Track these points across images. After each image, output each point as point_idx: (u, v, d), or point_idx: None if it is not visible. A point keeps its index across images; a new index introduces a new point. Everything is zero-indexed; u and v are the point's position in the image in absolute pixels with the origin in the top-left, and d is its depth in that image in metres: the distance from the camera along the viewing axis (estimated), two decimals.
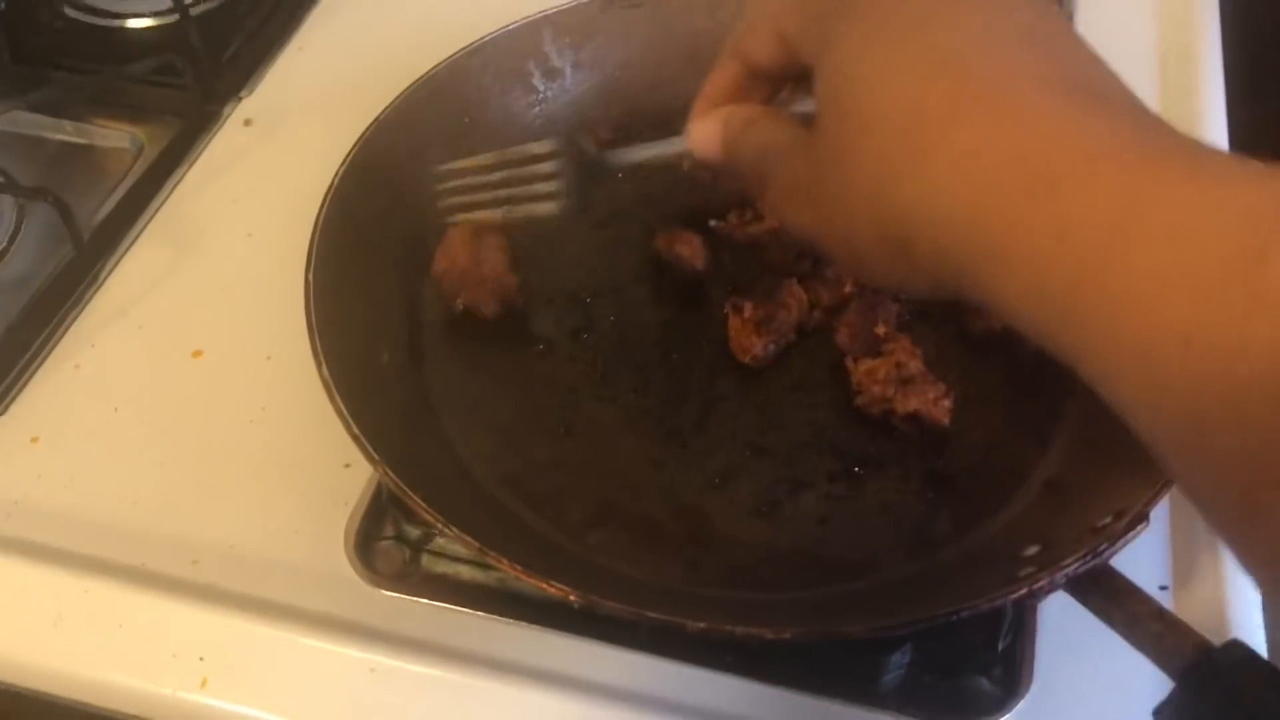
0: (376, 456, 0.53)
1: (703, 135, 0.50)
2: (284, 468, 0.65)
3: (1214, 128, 0.84)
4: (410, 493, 0.52)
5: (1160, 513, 0.62)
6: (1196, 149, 0.32)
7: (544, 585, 0.49)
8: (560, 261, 0.72)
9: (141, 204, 0.79)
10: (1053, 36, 0.38)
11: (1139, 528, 0.50)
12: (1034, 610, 0.58)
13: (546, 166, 0.61)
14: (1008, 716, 0.56)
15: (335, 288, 0.62)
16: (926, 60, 0.36)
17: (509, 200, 0.62)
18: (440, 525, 0.51)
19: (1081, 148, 0.33)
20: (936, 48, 0.37)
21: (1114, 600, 0.49)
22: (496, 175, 0.62)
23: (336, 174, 0.66)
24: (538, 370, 0.66)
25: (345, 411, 0.55)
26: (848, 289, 0.66)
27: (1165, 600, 0.60)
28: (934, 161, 0.35)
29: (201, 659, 0.57)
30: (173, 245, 0.77)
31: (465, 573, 0.60)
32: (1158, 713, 0.46)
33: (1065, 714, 0.56)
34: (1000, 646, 0.58)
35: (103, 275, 0.75)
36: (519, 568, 0.50)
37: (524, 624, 0.58)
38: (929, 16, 0.38)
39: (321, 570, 0.60)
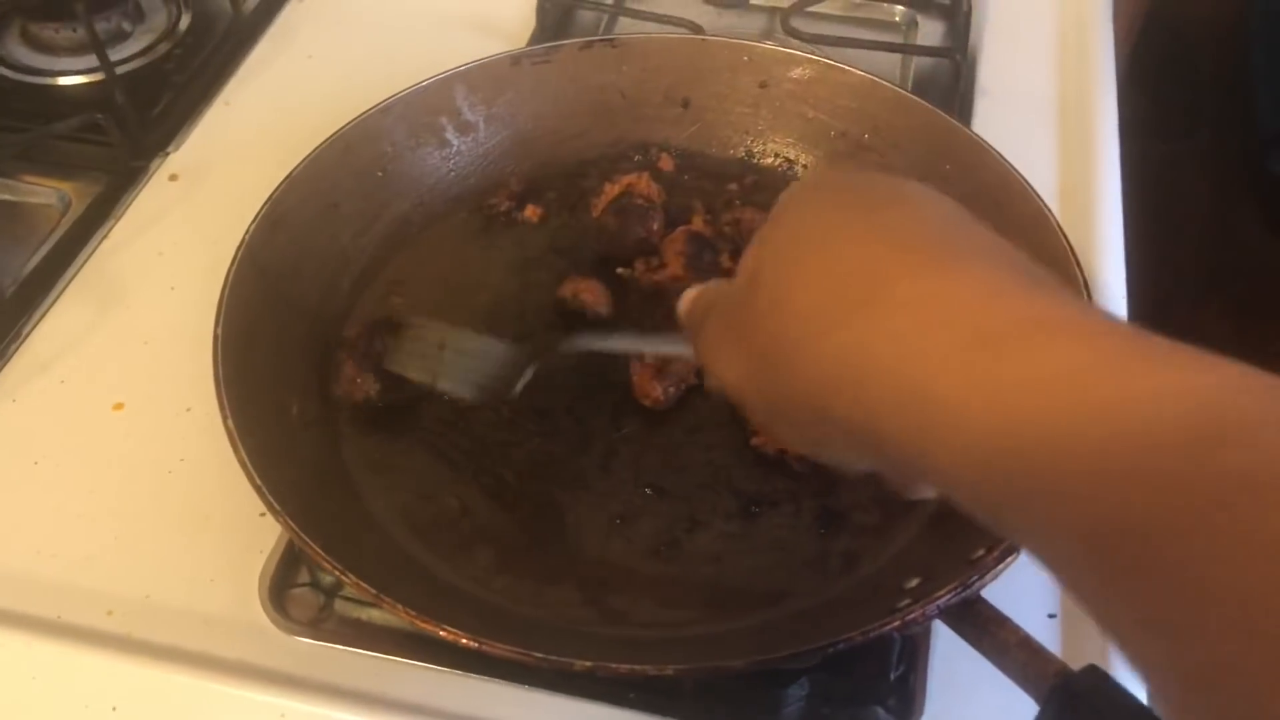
0: (277, 506, 0.55)
1: (680, 313, 0.52)
2: (201, 518, 0.66)
3: (1109, 169, 0.87)
4: (309, 541, 0.54)
5: None
6: (1142, 332, 0.31)
7: (436, 630, 0.51)
8: (472, 307, 0.74)
9: (66, 259, 0.80)
10: (981, 227, 0.39)
11: (1010, 559, 0.52)
12: (926, 641, 0.61)
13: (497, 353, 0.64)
14: None
15: (245, 341, 0.64)
16: (873, 229, 0.37)
17: (441, 373, 0.64)
18: (338, 572, 0.53)
19: (1028, 313, 0.32)
20: (883, 222, 0.38)
21: (984, 629, 0.51)
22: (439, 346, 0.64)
23: (248, 229, 0.68)
24: (446, 419, 0.68)
25: (248, 463, 0.57)
26: None
27: (1054, 628, 0.62)
28: (872, 311, 0.35)
29: (114, 709, 0.58)
30: (97, 300, 0.78)
31: (378, 617, 0.61)
32: None
33: None
34: (893, 676, 0.60)
35: (26, 330, 0.76)
36: (412, 613, 0.51)
37: (436, 667, 0.59)
38: (874, 202, 0.40)
39: (236, 618, 0.61)
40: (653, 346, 0.59)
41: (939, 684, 0.59)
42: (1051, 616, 0.63)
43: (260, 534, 0.64)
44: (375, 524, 0.63)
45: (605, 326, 0.70)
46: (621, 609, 0.59)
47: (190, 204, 0.85)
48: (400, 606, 0.51)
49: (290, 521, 0.54)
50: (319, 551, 0.53)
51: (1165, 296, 1.01)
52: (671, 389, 0.66)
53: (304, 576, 0.62)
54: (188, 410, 0.70)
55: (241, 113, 0.93)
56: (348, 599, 0.62)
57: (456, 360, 0.63)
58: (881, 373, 0.34)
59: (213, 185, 0.86)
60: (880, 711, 0.59)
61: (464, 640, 0.50)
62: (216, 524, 0.65)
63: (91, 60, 0.91)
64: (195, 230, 0.82)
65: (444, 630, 0.51)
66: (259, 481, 0.56)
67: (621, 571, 0.61)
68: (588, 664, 0.49)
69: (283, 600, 0.62)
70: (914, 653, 0.60)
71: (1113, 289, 0.76)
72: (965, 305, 0.33)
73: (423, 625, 0.51)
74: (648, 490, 0.64)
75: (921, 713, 0.59)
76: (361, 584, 0.52)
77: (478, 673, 0.58)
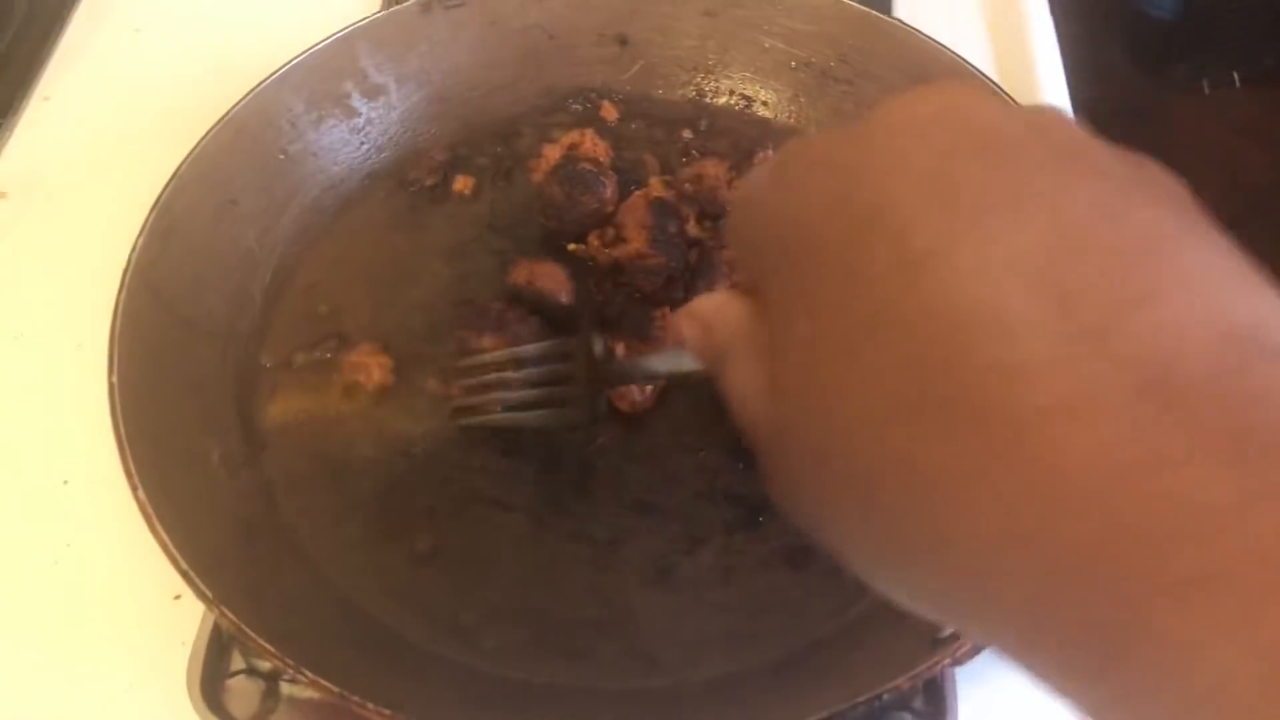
0: (209, 594, 0.46)
1: (683, 335, 0.34)
2: (104, 612, 0.56)
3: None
4: (252, 634, 0.45)
5: None
6: None
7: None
8: (405, 304, 0.64)
9: None
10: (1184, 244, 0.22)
11: None
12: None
13: (559, 368, 0.54)
14: None
15: (147, 386, 0.54)
16: (899, 355, 0.23)
17: (516, 404, 0.55)
18: (290, 669, 0.45)
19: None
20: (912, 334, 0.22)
21: None
22: (502, 375, 0.55)
23: (134, 246, 0.57)
24: (395, 444, 0.59)
25: (169, 544, 0.48)
26: None
27: None
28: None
29: None
30: None
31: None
32: None
33: None
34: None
35: None
36: (386, 713, 0.43)
37: None
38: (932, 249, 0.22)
39: None
40: (679, 365, 0.44)
41: (969, 682, 0.54)
42: None
43: (179, 619, 0.55)
44: (326, 582, 0.54)
45: (568, 316, 0.61)
46: (621, 655, 0.52)
47: (25, 227, 0.71)
48: (371, 706, 0.44)
49: (229, 613, 0.46)
50: (264, 644, 0.45)
51: None
52: (649, 388, 0.58)
53: (238, 663, 0.54)
54: (65, 483, 0.60)
55: (67, 107, 0.79)
56: (293, 680, 0.54)
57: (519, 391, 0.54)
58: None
59: (49, 200, 0.72)
60: (908, 717, 0.53)
61: None
62: (124, 617, 0.56)
63: None
64: (37, 259, 0.69)
65: None
66: (186, 567, 0.47)
67: (615, 609, 0.54)
68: None
69: (218, 695, 0.53)
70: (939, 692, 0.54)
71: None
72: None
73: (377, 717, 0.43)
74: (634, 508, 0.56)
75: (955, 715, 0.53)
76: (321, 680, 0.44)
77: None
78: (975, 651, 0.45)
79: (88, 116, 0.78)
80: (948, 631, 0.46)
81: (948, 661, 0.44)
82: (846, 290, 0.24)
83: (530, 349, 0.55)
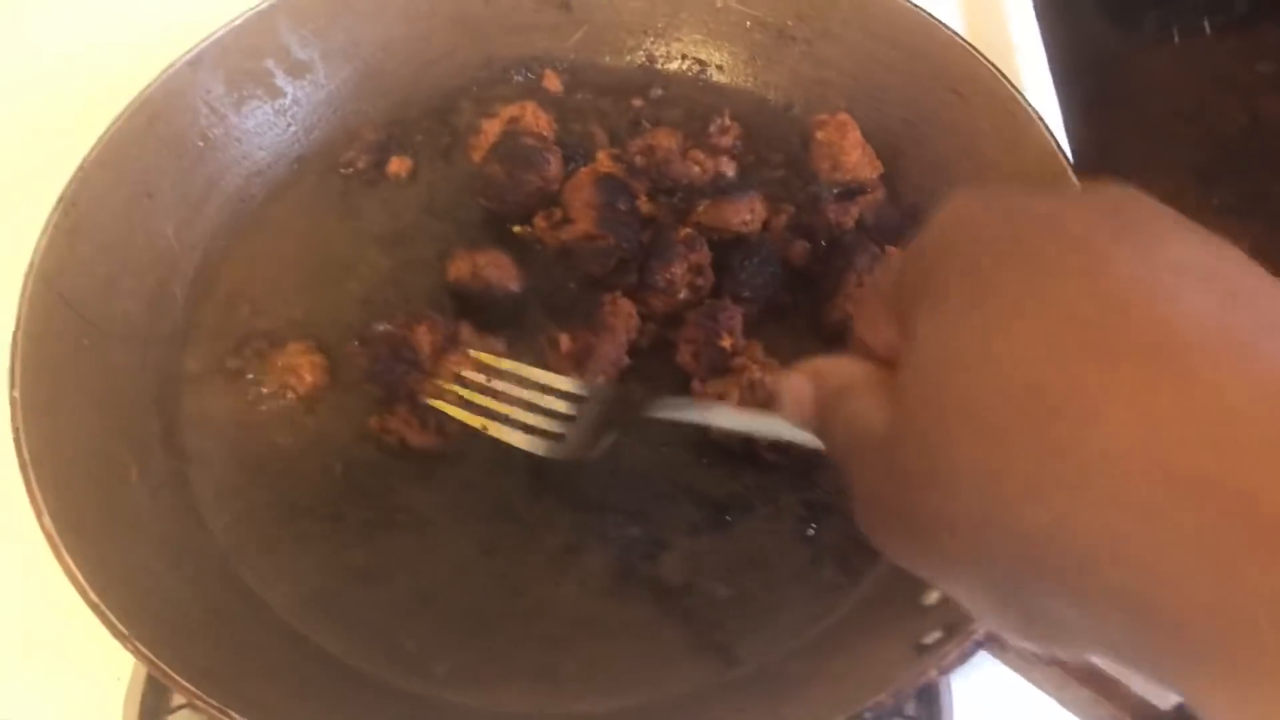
0: (123, 629, 0.42)
1: (790, 395, 0.35)
2: (33, 654, 0.52)
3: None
4: (171, 671, 0.41)
5: None
6: None
7: None
8: (340, 298, 0.60)
9: None
10: (1249, 287, 0.24)
11: None
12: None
13: (563, 405, 0.50)
14: None
15: (55, 401, 0.50)
16: (1060, 322, 0.24)
17: (505, 418, 0.51)
18: (215, 710, 0.41)
19: None
20: (1069, 312, 0.24)
21: (1035, 659, 0.41)
22: (505, 386, 0.52)
23: (36, 248, 0.53)
24: (333, 450, 0.55)
25: (78, 574, 0.44)
26: (682, 295, 0.56)
27: None
28: (1065, 469, 0.23)
29: None
30: None
31: None
32: None
33: None
34: None
35: None
36: None
37: None
38: (1060, 267, 0.25)
39: None
40: (760, 427, 0.44)
41: (964, 686, 0.51)
42: None
43: (113, 656, 0.49)
44: (261, 606, 0.50)
45: (517, 306, 0.57)
46: (582, 677, 0.48)
47: None
48: None
49: (144, 648, 0.42)
50: (184, 682, 0.41)
51: None
52: (600, 379, 0.54)
53: (178, 698, 0.49)
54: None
55: None
56: None
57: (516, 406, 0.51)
58: (1086, 559, 0.23)
59: None
60: None
61: None
62: (55, 657, 0.52)
63: None
64: None
65: None
66: (94, 597, 0.43)
67: (574, 623, 0.50)
68: None
69: None
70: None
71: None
72: (1187, 450, 0.22)
73: None
74: (591, 510, 0.52)
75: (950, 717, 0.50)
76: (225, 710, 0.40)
77: None
78: (962, 659, 0.41)
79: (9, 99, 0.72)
80: (932, 638, 0.43)
81: (934, 672, 0.41)
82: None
83: (545, 378, 0.51)
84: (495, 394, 0.52)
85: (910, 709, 0.51)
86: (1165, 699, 0.39)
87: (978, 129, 0.58)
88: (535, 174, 0.59)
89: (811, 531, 0.52)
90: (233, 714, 0.41)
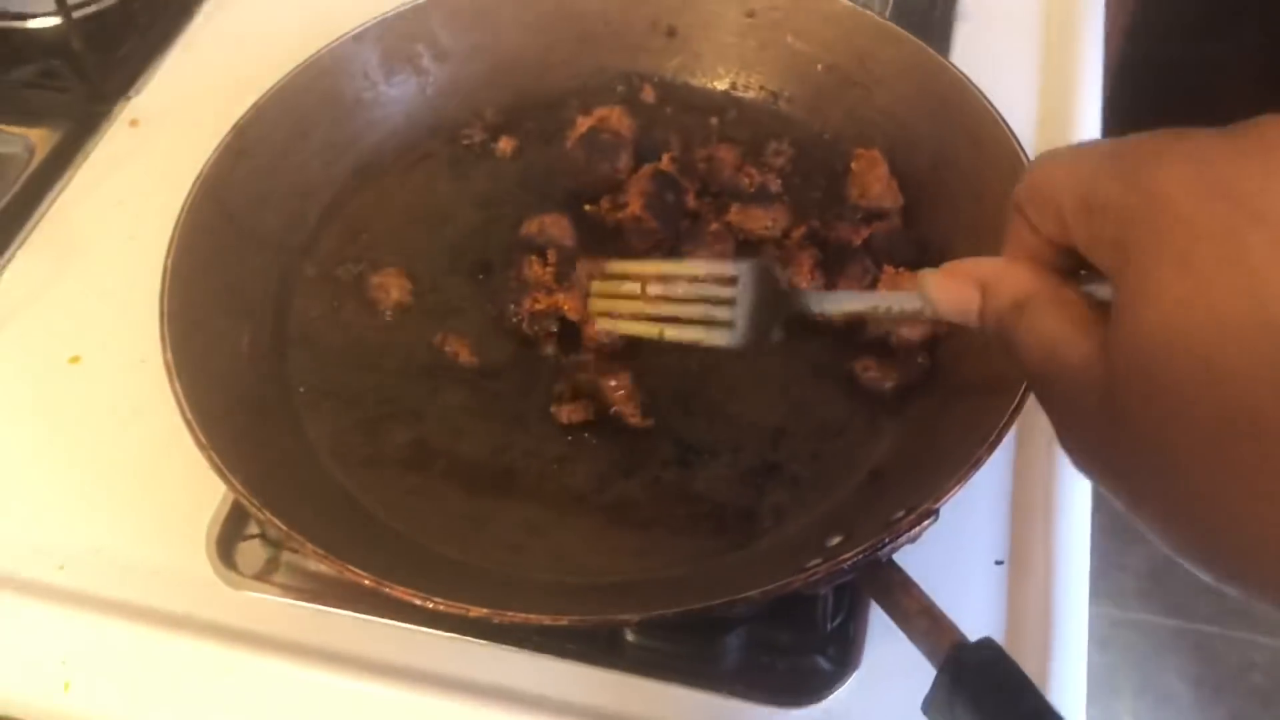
0: (203, 439, 0.56)
1: (954, 297, 0.37)
2: (153, 470, 0.66)
3: (1090, 97, 0.82)
4: (227, 473, 0.54)
5: (1002, 489, 0.64)
6: None
7: (341, 569, 0.51)
8: (435, 240, 0.73)
9: (26, 211, 0.80)
10: None
11: (925, 524, 0.51)
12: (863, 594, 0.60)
13: (725, 290, 0.55)
14: (838, 691, 0.58)
15: (199, 274, 0.64)
16: None
17: (674, 318, 0.57)
18: (249, 502, 0.53)
19: None
20: None
21: (891, 593, 0.50)
22: (664, 289, 0.57)
23: (208, 160, 0.68)
24: (399, 351, 0.68)
25: (183, 397, 0.57)
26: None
27: (1000, 575, 0.61)
28: None
29: (64, 663, 0.59)
30: (55, 251, 0.79)
31: (327, 568, 0.62)
32: (925, 703, 0.47)
33: (892, 686, 0.58)
34: (831, 625, 0.60)
35: None
36: (321, 551, 0.52)
37: (382, 620, 0.60)
38: None
39: (184, 572, 0.62)
40: (905, 306, 0.46)
41: (879, 633, 0.59)
42: (999, 563, 0.62)
43: (211, 487, 0.63)
44: (314, 457, 0.63)
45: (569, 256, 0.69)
46: (549, 554, 0.59)
47: (151, 150, 0.84)
48: (310, 544, 0.52)
49: (215, 456, 0.55)
50: (237, 486, 0.54)
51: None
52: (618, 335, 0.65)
53: (252, 528, 0.63)
54: (142, 361, 0.70)
55: (204, 54, 0.92)
56: (296, 550, 0.62)
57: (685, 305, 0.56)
58: None
59: (175, 130, 0.85)
60: (819, 660, 0.59)
61: (365, 580, 0.51)
62: (168, 476, 0.66)
63: (51, 3, 0.88)
64: (156, 177, 0.81)
65: (348, 570, 0.51)
66: (190, 416, 0.57)
67: (554, 514, 0.61)
68: (483, 610, 0.49)
69: (231, 553, 0.63)
70: (854, 602, 0.60)
71: None
72: None
73: (330, 564, 0.51)
74: (586, 435, 0.64)
75: (859, 663, 0.59)
76: (272, 518, 0.53)
77: (424, 626, 0.59)
78: (829, 579, 0.50)
79: (217, 64, 0.90)
80: (814, 562, 0.52)
81: (798, 583, 0.50)
82: (1226, 267, 0.26)
83: (691, 266, 0.58)
84: (653, 299, 0.58)
85: (831, 651, 0.59)
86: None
87: (985, 179, 0.66)
88: (608, 163, 0.72)
89: (759, 484, 0.61)
90: (296, 535, 0.52)
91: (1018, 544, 0.62)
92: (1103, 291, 0.33)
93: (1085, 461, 0.32)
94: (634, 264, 0.61)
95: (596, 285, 0.63)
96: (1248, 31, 1.09)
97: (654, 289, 0.58)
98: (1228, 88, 1.11)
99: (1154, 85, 0.97)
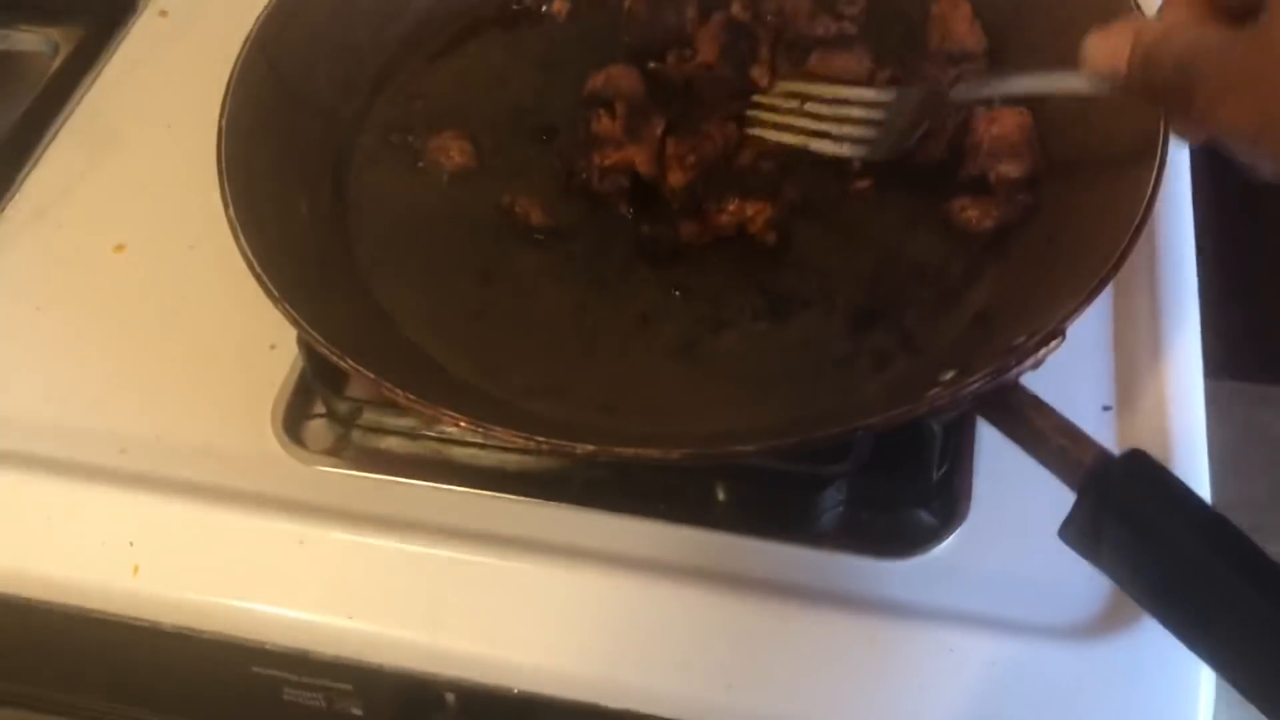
0: (276, 293, 0.53)
1: (1105, 52, 0.42)
2: (209, 355, 0.64)
3: None
4: (306, 326, 0.51)
5: (1103, 335, 0.61)
6: None
7: (437, 414, 0.48)
8: (494, 103, 0.70)
9: (56, 104, 0.77)
10: None
11: (1053, 344, 0.48)
12: (970, 439, 0.57)
13: (875, 113, 0.59)
14: (945, 544, 0.55)
15: (253, 135, 0.61)
16: None
17: (822, 134, 0.60)
18: (335, 356, 0.50)
19: None
20: None
21: (1021, 416, 0.47)
22: (817, 107, 0.61)
23: (258, 19, 0.64)
24: (464, 214, 0.65)
25: (248, 250, 0.54)
26: None
27: (1109, 420, 0.58)
28: None
29: (131, 544, 0.57)
30: (90, 143, 0.76)
31: (396, 445, 0.60)
32: (1063, 529, 0.44)
33: (1001, 540, 0.55)
34: (936, 476, 0.57)
35: (19, 179, 0.74)
36: (412, 397, 0.49)
37: (453, 488, 0.57)
38: None
39: (251, 451, 0.60)
40: (1061, 85, 0.53)
41: (985, 484, 0.57)
42: (1107, 409, 0.59)
43: (272, 367, 0.62)
44: (386, 319, 0.60)
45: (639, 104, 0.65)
46: (640, 409, 0.56)
47: (183, 39, 0.81)
48: (400, 391, 0.49)
49: (290, 309, 0.52)
50: (316, 337, 0.51)
51: None
52: (694, 171, 0.62)
53: (319, 407, 0.61)
54: (190, 248, 0.68)
55: None
56: (364, 428, 0.61)
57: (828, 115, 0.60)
58: None
59: (205, 18, 0.82)
60: (923, 514, 0.57)
61: (462, 423, 0.48)
62: (226, 360, 0.63)
63: None
64: (189, 66, 0.78)
65: (444, 414, 0.48)
66: (259, 269, 0.53)
67: (641, 373, 0.58)
68: (590, 448, 0.47)
69: (299, 431, 0.60)
70: (958, 452, 0.57)
71: None
72: None
73: (423, 409, 0.49)
74: (674, 291, 0.61)
75: (966, 516, 0.56)
76: (359, 368, 0.50)
77: (495, 490, 0.57)
78: (954, 404, 0.47)
79: None
80: (933, 392, 0.49)
81: (923, 409, 0.47)
82: None
83: (854, 91, 0.61)
84: (809, 115, 0.61)
85: (936, 504, 0.57)
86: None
87: (1073, 12, 0.62)
88: (674, 14, 0.68)
89: (857, 332, 0.58)
90: (385, 382, 0.49)
91: (1125, 388, 0.59)
92: None
93: (1233, 115, 0.37)
94: (800, 84, 0.63)
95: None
96: None
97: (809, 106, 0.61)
98: None
99: None
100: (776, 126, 0.62)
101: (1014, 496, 0.56)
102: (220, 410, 0.62)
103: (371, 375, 0.49)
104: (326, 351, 0.51)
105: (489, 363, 0.58)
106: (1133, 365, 0.59)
